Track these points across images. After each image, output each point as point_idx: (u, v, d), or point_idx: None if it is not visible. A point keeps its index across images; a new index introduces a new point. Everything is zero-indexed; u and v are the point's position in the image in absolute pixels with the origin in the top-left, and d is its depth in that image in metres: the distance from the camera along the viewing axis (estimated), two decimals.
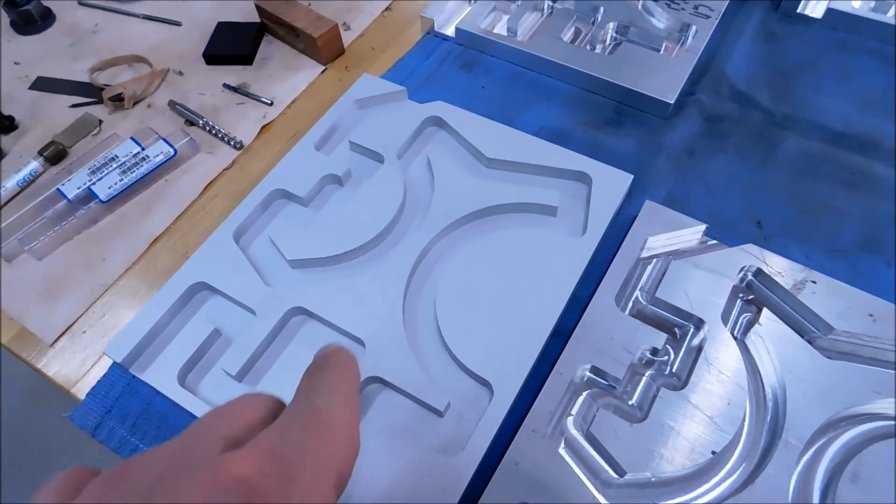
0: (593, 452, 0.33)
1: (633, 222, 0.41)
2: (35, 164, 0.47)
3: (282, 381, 0.36)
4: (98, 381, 0.37)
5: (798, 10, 0.53)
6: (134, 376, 0.37)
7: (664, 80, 0.48)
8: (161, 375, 0.36)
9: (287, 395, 0.35)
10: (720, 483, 0.32)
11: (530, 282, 0.38)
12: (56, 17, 0.59)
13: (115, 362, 0.38)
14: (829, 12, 0.52)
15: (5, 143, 0.49)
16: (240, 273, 0.39)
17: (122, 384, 0.37)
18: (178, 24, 0.57)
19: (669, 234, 0.40)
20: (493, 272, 0.39)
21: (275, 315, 0.37)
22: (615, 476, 0.32)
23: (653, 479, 0.32)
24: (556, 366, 0.35)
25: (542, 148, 0.44)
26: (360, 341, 0.37)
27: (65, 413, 0.37)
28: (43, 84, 0.53)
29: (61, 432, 1.13)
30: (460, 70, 0.52)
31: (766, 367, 0.35)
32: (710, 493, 0.31)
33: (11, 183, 0.46)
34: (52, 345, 0.40)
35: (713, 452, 0.32)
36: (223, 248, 0.40)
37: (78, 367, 0.39)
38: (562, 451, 0.33)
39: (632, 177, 0.42)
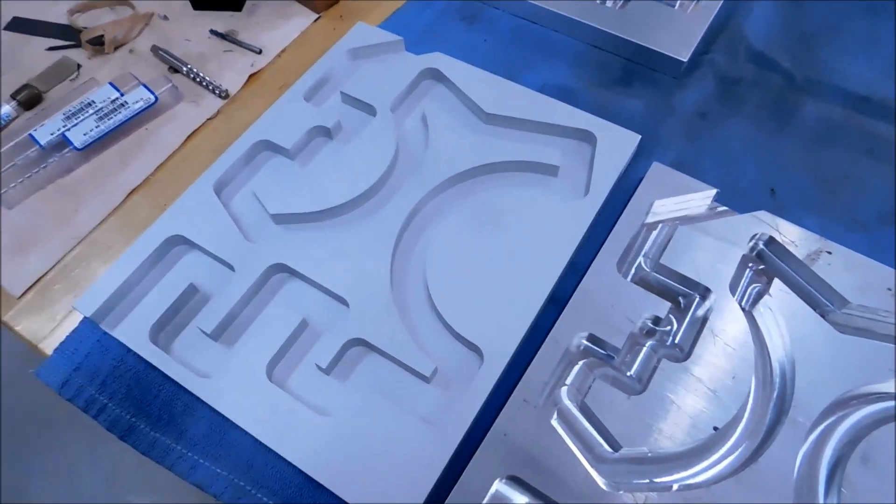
0: (587, 425, 0.31)
1: (638, 186, 0.38)
2: (7, 109, 0.44)
3: (260, 342, 0.33)
4: (67, 337, 0.35)
5: None
6: (105, 332, 0.35)
7: (677, 37, 0.45)
8: (132, 332, 0.34)
9: (263, 356, 0.33)
10: (721, 460, 0.30)
11: (527, 245, 0.36)
12: None
13: (85, 318, 0.36)
14: None
15: None
16: (219, 227, 0.37)
17: (92, 340, 0.35)
18: None
19: (677, 199, 0.37)
20: (488, 234, 0.36)
21: (255, 271, 0.35)
22: (610, 451, 0.30)
23: (650, 455, 0.30)
24: (550, 333, 0.33)
25: (545, 104, 0.41)
26: (343, 301, 0.35)
27: (31, 369, 0.35)
28: (18, 25, 0.50)
29: (34, 391, 1.12)
30: (461, 22, 0.49)
31: (774, 341, 0.32)
32: (709, 470, 0.29)
33: None
34: (19, 298, 0.37)
35: (715, 428, 0.30)
36: (203, 201, 0.38)
37: (47, 321, 0.37)
38: (554, 422, 0.31)
39: (639, 137, 0.40)
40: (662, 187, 0.38)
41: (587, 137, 0.40)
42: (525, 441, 0.30)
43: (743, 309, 0.34)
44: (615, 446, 0.30)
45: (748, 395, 0.31)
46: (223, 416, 0.33)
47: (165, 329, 0.35)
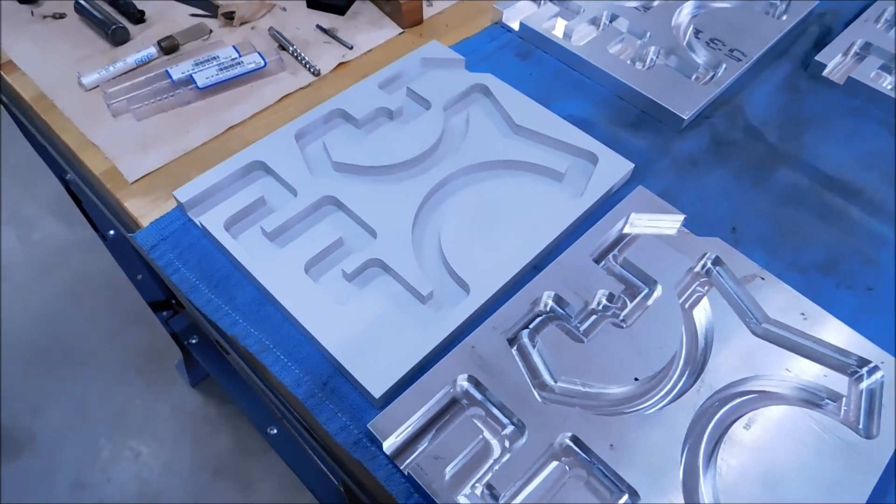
0: (537, 358, 0.39)
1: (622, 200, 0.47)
2: (152, 50, 0.57)
3: (303, 249, 0.43)
4: (160, 217, 0.46)
5: (823, 73, 0.59)
6: (189, 219, 0.46)
7: (685, 100, 0.54)
8: (212, 220, 0.44)
9: (304, 256, 0.43)
10: (639, 402, 0.38)
11: (524, 221, 0.45)
12: None
13: (177, 206, 0.47)
14: (851, 81, 0.58)
15: (133, 31, 0.60)
16: (292, 162, 0.48)
17: (179, 223, 0.46)
18: None
19: (651, 215, 0.46)
20: (497, 208, 0.46)
21: (312, 197, 0.45)
22: (551, 379, 0.38)
23: (582, 389, 0.38)
24: (526, 286, 0.42)
25: (563, 127, 0.51)
26: (373, 232, 0.44)
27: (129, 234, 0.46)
28: None
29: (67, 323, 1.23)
30: (515, 57, 0.60)
31: (702, 329, 0.41)
32: (627, 405, 0.37)
33: (132, 59, 0.56)
34: (132, 183, 0.49)
35: (636, 378, 0.38)
36: (284, 143, 0.49)
37: (148, 203, 0.48)
38: (513, 351, 0.39)
39: (632, 165, 0.49)
40: (641, 204, 0.47)
41: (591, 158, 0.50)
42: (487, 355, 0.39)
43: (683, 306, 0.42)
44: (555, 377, 0.38)
45: (671, 363, 0.39)
46: (263, 293, 0.42)
47: (235, 225, 0.45)
